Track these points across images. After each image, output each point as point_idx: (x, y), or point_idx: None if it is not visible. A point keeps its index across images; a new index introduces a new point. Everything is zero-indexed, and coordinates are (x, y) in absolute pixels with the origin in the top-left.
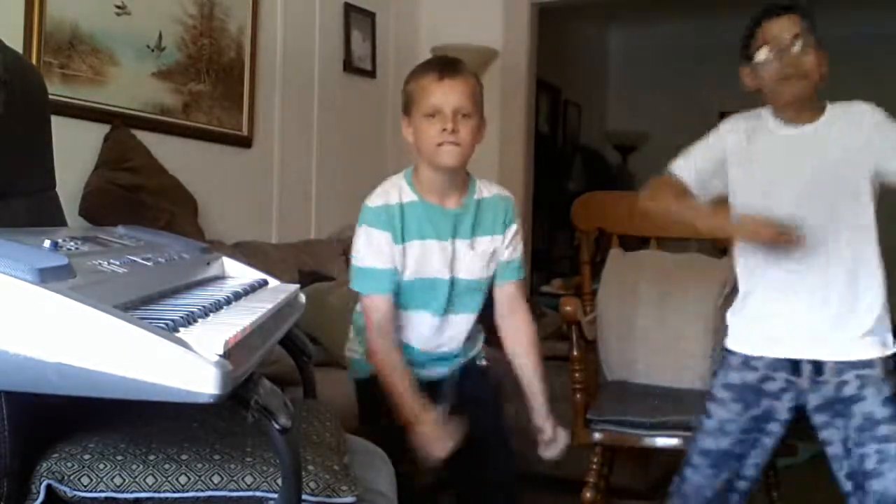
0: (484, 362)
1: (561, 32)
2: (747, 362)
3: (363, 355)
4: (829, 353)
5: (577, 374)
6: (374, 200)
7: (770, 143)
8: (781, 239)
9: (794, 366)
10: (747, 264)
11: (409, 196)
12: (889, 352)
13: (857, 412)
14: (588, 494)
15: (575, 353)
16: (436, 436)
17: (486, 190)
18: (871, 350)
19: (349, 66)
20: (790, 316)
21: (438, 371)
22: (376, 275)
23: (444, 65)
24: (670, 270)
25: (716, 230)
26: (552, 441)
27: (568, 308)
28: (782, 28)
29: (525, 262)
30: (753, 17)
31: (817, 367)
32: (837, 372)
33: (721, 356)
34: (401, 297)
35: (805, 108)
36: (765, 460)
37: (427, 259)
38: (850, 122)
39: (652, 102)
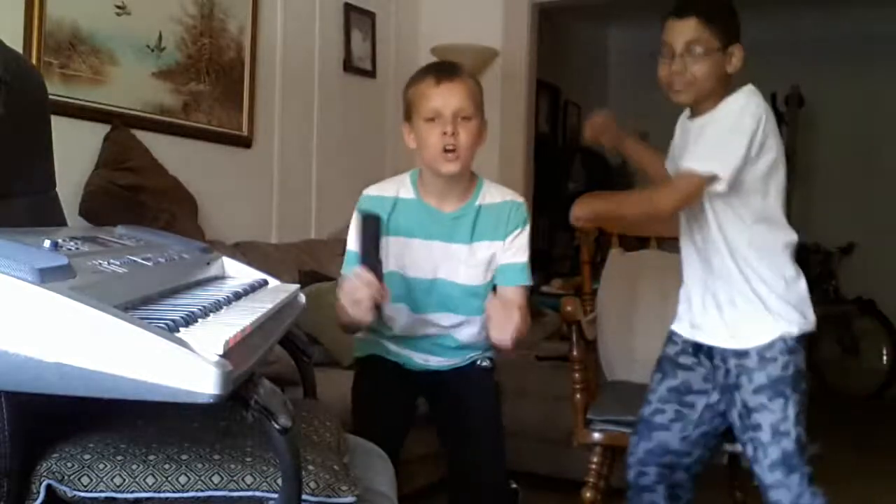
0: (486, 363)
1: (561, 32)
2: (671, 337)
3: (360, 340)
4: (714, 339)
5: (577, 374)
6: (370, 191)
7: (679, 133)
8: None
9: (697, 347)
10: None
11: (408, 193)
12: (768, 338)
13: (737, 400)
14: (588, 494)
15: (575, 353)
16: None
17: (492, 195)
18: (748, 339)
19: (349, 66)
20: (691, 300)
21: (434, 359)
22: (352, 258)
23: (442, 69)
24: (670, 270)
25: None
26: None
27: (568, 308)
28: (677, 32)
29: (528, 271)
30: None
31: (708, 352)
32: (723, 359)
33: None
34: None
35: (700, 106)
36: (693, 434)
37: (410, 257)
38: (713, 119)
39: (652, 102)
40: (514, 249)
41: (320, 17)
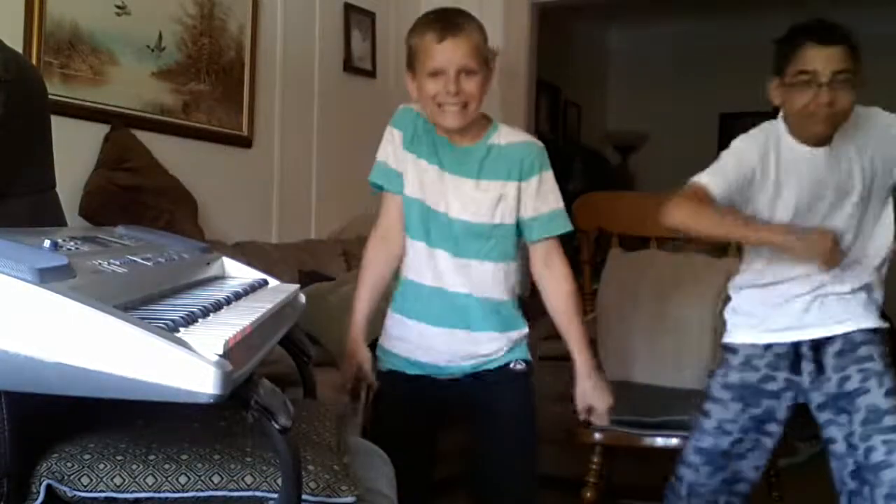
0: (520, 366)
1: (561, 32)
2: (749, 361)
3: (383, 350)
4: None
5: None
6: (408, 105)
7: (794, 163)
8: (834, 260)
9: (796, 364)
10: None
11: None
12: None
13: (861, 405)
14: (588, 494)
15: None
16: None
17: (506, 137)
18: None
19: (349, 66)
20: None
21: (460, 337)
22: (382, 169)
23: (446, 23)
24: (670, 270)
25: (773, 242)
26: (589, 407)
27: None
28: (827, 60)
29: (564, 216)
30: (797, 29)
31: (818, 364)
32: (839, 368)
33: (721, 356)
34: (412, 228)
35: (825, 139)
36: (765, 461)
37: (427, 183)
38: (864, 135)
39: (652, 102)
40: (541, 198)
41: (320, 17)
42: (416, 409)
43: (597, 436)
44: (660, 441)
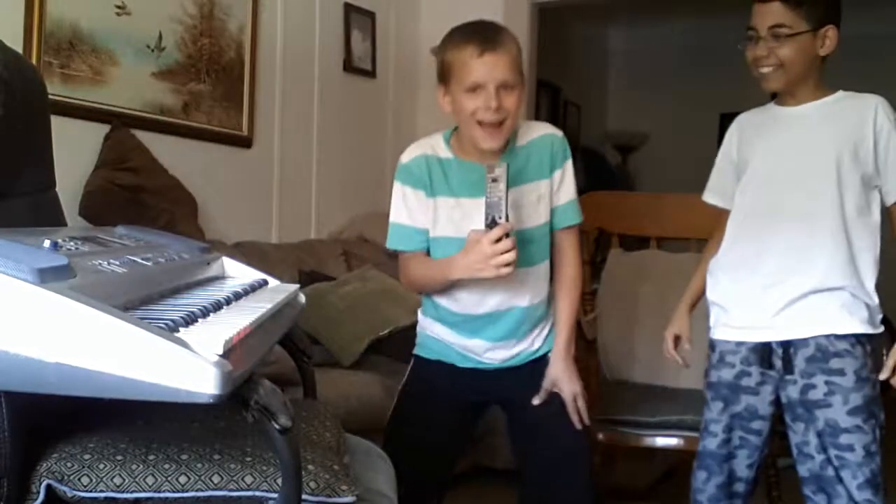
0: None
1: (561, 32)
2: (723, 358)
3: (431, 338)
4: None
5: None
6: (408, 155)
7: (773, 128)
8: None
9: (766, 359)
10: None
11: (445, 153)
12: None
13: (820, 417)
14: None
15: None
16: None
17: (527, 134)
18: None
19: (349, 66)
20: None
21: (500, 354)
22: (406, 231)
23: (486, 37)
24: (670, 270)
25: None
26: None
27: None
28: (761, 15)
29: (577, 206)
30: None
31: (787, 363)
32: (806, 374)
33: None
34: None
35: (795, 94)
36: (757, 459)
37: (462, 218)
38: (853, 113)
39: (652, 102)
40: (564, 188)
41: (320, 17)
42: (456, 400)
43: (597, 436)
44: (660, 441)
